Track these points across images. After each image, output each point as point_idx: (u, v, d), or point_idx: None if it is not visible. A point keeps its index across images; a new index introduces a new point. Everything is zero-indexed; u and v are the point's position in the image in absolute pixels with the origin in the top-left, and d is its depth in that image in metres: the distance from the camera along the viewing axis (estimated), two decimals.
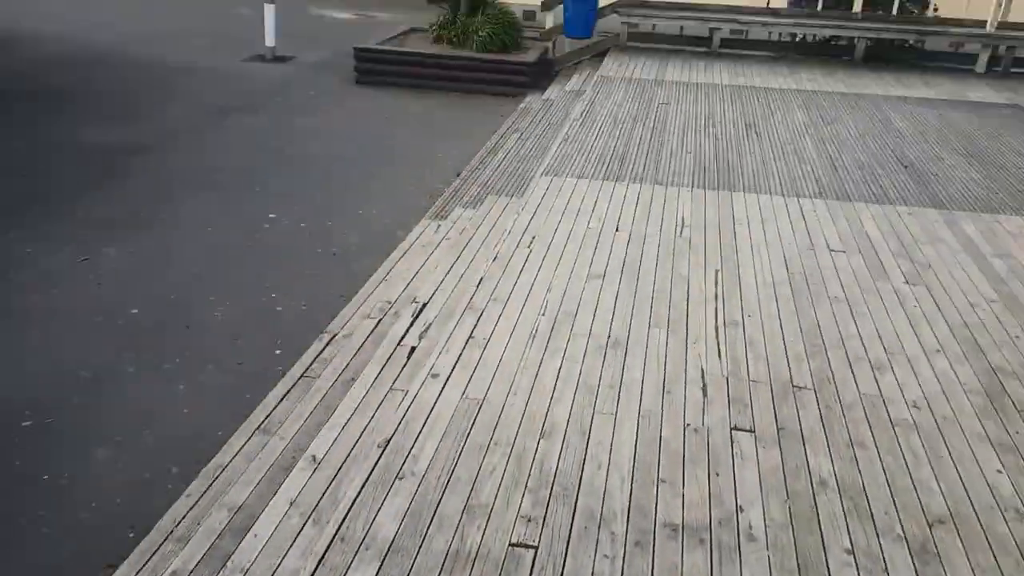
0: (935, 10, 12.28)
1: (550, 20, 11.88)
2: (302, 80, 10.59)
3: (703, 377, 3.98)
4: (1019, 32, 11.32)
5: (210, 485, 3.28)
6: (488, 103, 9.94)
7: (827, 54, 12.05)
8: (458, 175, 7.31)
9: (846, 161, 7.43)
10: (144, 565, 2.86)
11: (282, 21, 11.44)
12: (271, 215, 6.38)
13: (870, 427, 3.67)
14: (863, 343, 4.37)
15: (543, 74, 10.96)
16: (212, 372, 4.38)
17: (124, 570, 2.83)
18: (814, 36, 12.22)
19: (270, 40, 11.26)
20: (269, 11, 11.09)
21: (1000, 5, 11.15)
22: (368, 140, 8.46)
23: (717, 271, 5.12)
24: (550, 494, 3.16)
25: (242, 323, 4.86)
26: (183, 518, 3.07)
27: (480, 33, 10.54)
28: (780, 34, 12.29)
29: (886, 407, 3.83)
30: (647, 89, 9.81)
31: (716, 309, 4.66)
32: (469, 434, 3.49)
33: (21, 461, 3.65)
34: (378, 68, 10.50)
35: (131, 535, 3.15)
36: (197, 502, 3.18)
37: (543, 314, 4.51)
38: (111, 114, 8.71)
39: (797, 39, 12.35)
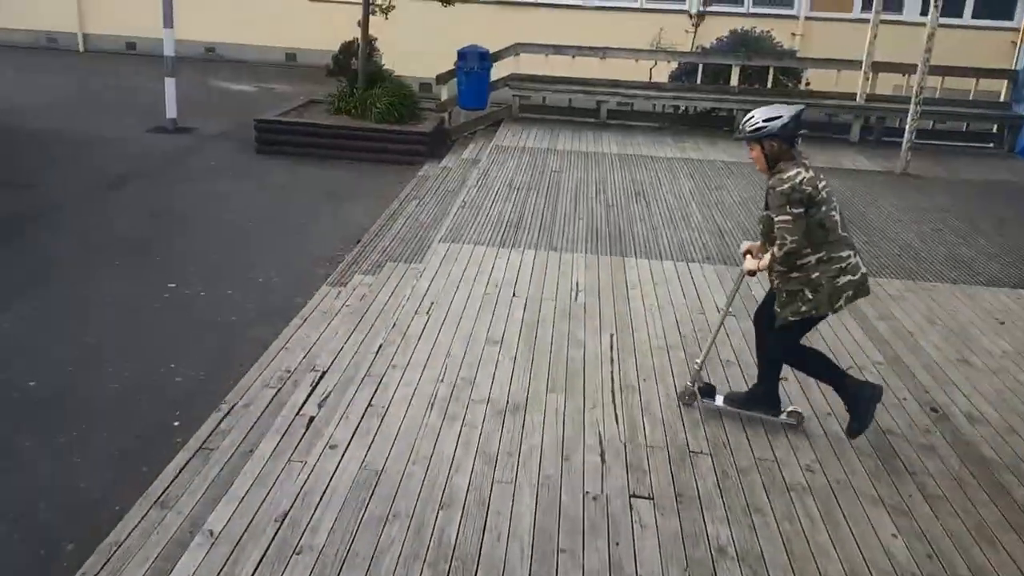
0: (807, 84, 13.28)
1: (445, 92, 12.30)
2: (203, 150, 10.58)
3: (601, 443, 4.08)
4: (887, 104, 12.34)
5: (106, 562, 3.25)
6: (387, 172, 10.15)
7: (709, 124, 12.85)
8: (358, 242, 7.43)
9: (731, 226, 7.89)
10: None
11: (184, 92, 11.47)
12: (170, 284, 6.34)
13: (766, 491, 3.78)
14: None
15: (440, 143, 11.31)
16: (108, 445, 4.31)
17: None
18: (695, 108, 13.05)
19: (171, 111, 11.25)
20: (169, 84, 11.15)
21: (867, 78, 12.17)
22: (268, 209, 8.50)
23: (612, 335, 5.31)
24: (449, 568, 3.19)
25: (140, 394, 4.82)
26: None
27: (378, 105, 10.82)
28: (664, 106, 13.06)
29: (781, 471, 3.94)
30: (540, 158, 10.23)
31: (612, 373, 4.81)
32: (367, 506, 3.52)
33: None
34: (279, 138, 10.61)
35: None
36: None
37: (442, 380, 4.62)
38: (3, 182, 8.49)
39: (680, 111, 13.15)
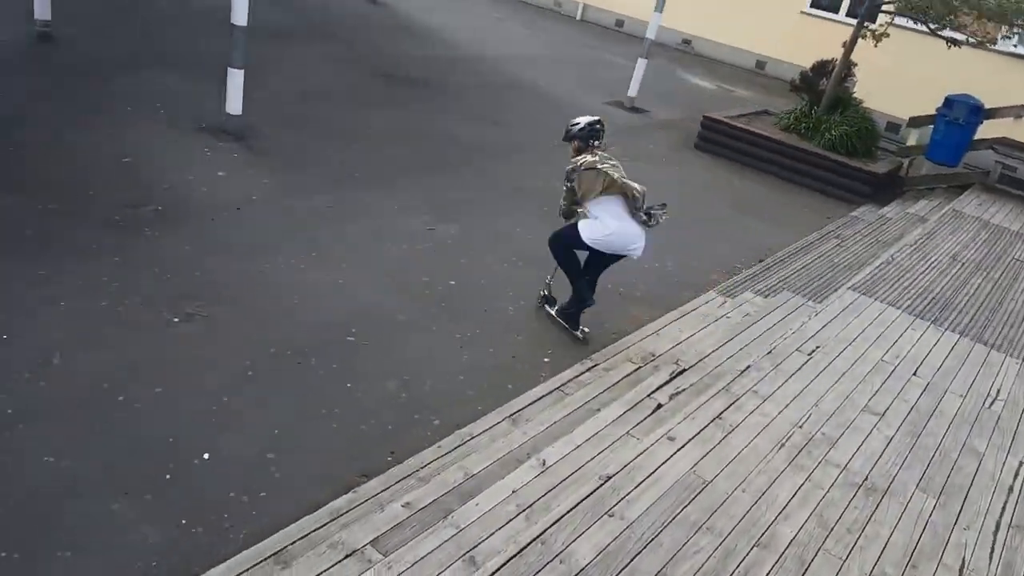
0: None
1: (914, 137, 11.39)
2: (646, 132, 11.25)
3: (961, 570, 3.63)
4: None
5: (456, 447, 3.82)
6: (817, 201, 9.82)
7: None
8: (761, 261, 7.39)
9: None
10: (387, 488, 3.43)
11: (649, 78, 12.27)
12: None
13: None
14: None
15: (887, 189, 10.56)
16: (500, 354, 4.98)
17: (372, 484, 3.43)
18: None
19: (632, 91, 12.13)
20: (640, 64, 11.96)
21: None
22: (682, 202, 8.77)
23: (1022, 463, 4.61)
24: None
25: (527, 325, 5.45)
26: (430, 462, 3.61)
27: (832, 131, 10.40)
28: None
29: None
30: (1004, 240, 9.04)
31: (1005, 503, 4.18)
32: (685, 507, 3.64)
33: (338, 365, 4.53)
34: (719, 139, 10.82)
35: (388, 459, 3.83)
36: (441, 456, 3.70)
37: (800, 427, 4.49)
38: (481, 115, 10.04)
39: None
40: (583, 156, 5.14)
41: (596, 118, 5.29)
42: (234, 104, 7.44)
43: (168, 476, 3.53)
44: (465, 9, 17.55)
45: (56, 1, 8.92)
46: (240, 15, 7.13)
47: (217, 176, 6.55)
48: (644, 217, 5.09)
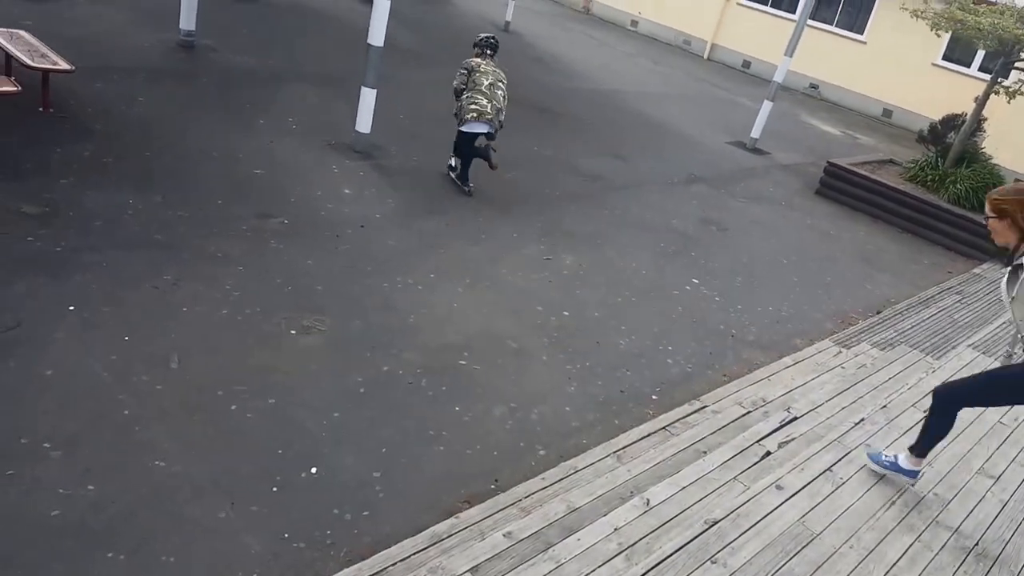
0: None
1: None
2: (767, 174, 10.98)
3: None
4: None
5: (560, 480, 3.74)
6: (939, 255, 9.32)
7: None
8: (878, 312, 7.04)
9: None
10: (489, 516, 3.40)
11: (773, 120, 12.02)
12: (693, 279, 6.82)
13: None
14: None
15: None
16: (608, 389, 4.91)
17: (474, 511, 3.40)
18: None
19: (756, 132, 11.91)
20: (765, 107, 11.75)
21: None
22: (801, 248, 8.50)
23: None
24: None
25: (641, 357, 5.35)
26: (533, 493, 3.55)
27: (958, 185, 9.89)
28: None
29: None
30: None
31: None
32: (791, 559, 3.45)
33: (448, 388, 4.55)
34: (841, 186, 10.45)
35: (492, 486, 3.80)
36: (545, 488, 3.64)
37: (912, 485, 4.20)
38: (604, 147, 10.03)
39: None
40: (476, 59, 7.38)
41: (491, 35, 7.62)
42: (364, 123, 7.66)
43: (275, 488, 3.56)
44: (597, 44, 17.72)
45: (201, 12, 9.40)
46: (377, 36, 7.35)
47: (343, 193, 6.75)
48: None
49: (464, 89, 7.27)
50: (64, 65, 6.62)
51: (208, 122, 7.47)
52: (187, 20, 9.34)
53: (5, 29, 7.03)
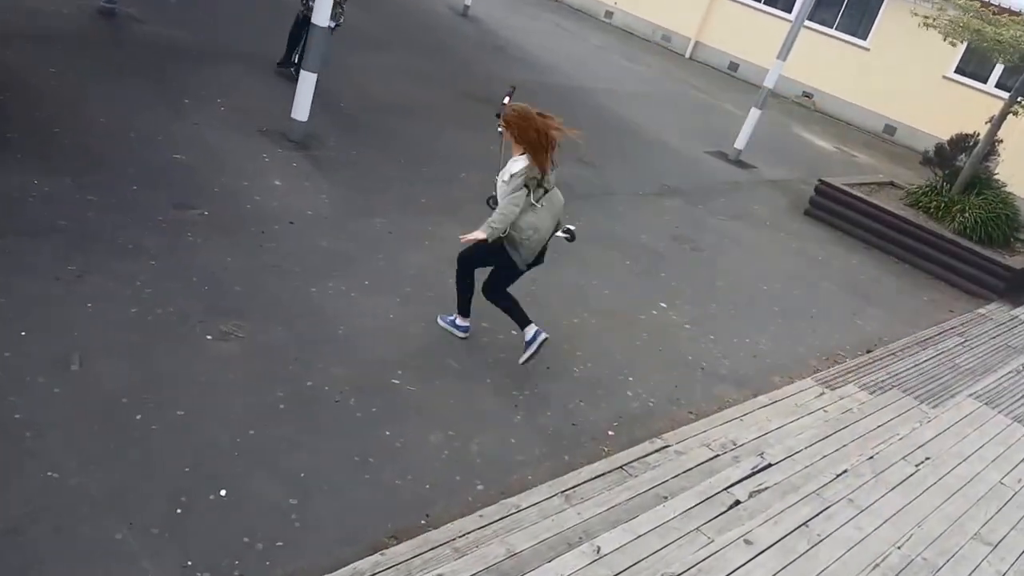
0: None
1: None
2: (751, 190, 11.25)
3: None
4: None
5: (500, 519, 3.78)
6: (940, 291, 9.60)
7: None
8: (869, 351, 7.23)
9: None
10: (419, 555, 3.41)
11: (761, 130, 12.29)
12: (661, 304, 6.95)
13: None
14: None
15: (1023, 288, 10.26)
16: (554, 422, 4.96)
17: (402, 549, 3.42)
18: None
19: (740, 142, 12.17)
20: (753, 115, 12.00)
21: None
22: (788, 272, 8.69)
23: None
24: None
25: (600, 388, 5.42)
26: (469, 532, 3.58)
27: (966, 214, 10.18)
28: None
29: None
30: None
31: None
32: None
33: (378, 409, 4.53)
34: (833, 208, 10.71)
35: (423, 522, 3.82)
36: (482, 527, 3.68)
37: (899, 547, 4.32)
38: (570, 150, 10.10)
39: None
40: None
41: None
42: (301, 110, 7.68)
43: (179, 510, 3.57)
44: (566, 34, 17.97)
45: None
46: (322, 14, 7.39)
47: (273, 185, 6.75)
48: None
49: None
50: None
51: (127, 100, 7.43)
52: None
53: None
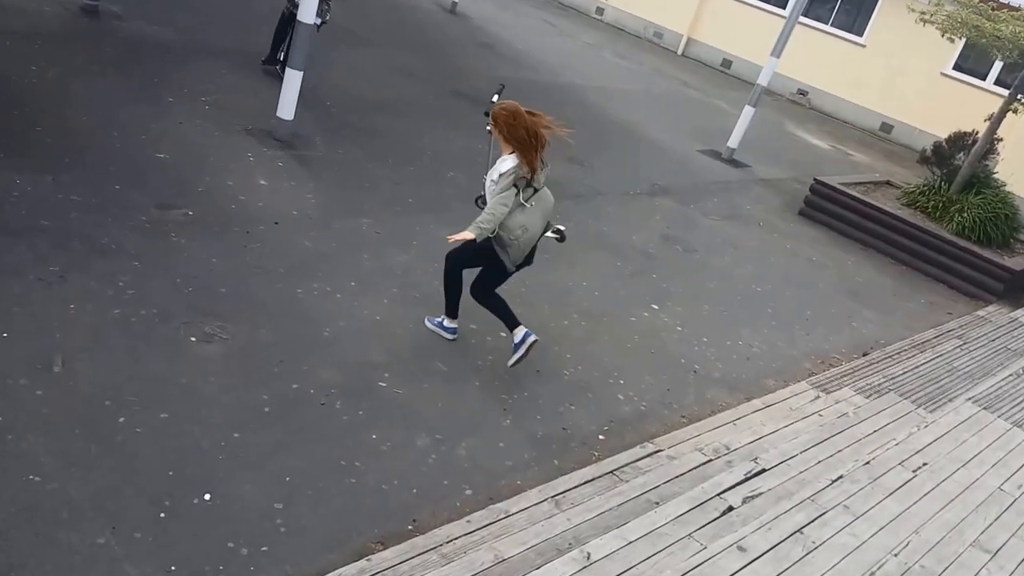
0: None
1: None
2: (744, 190, 11.29)
3: None
4: None
5: (488, 525, 3.79)
6: (939, 293, 9.66)
7: None
8: (865, 354, 7.27)
9: None
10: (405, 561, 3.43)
11: (755, 128, 12.35)
12: (653, 305, 6.98)
13: None
14: None
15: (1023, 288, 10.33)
16: (540, 427, 4.98)
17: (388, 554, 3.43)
18: None
19: (734, 141, 12.22)
20: (746, 113, 12.05)
21: None
22: (783, 273, 8.73)
23: None
24: None
25: (589, 391, 5.45)
26: (457, 538, 3.60)
27: (965, 214, 10.23)
28: None
29: None
30: None
31: None
32: None
33: (365, 412, 4.54)
34: (828, 207, 10.76)
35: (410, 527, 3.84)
36: (470, 533, 3.69)
37: (896, 555, 4.34)
38: (560, 149, 10.13)
39: None
40: None
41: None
42: (287, 108, 7.70)
43: (162, 514, 3.58)
44: (556, 32, 18.00)
45: None
46: (308, 11, 7.41)
47: (258, 185, 6.76)
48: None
49: None
50: None
51: (109, 97, 7.43)
52: None
53: None
